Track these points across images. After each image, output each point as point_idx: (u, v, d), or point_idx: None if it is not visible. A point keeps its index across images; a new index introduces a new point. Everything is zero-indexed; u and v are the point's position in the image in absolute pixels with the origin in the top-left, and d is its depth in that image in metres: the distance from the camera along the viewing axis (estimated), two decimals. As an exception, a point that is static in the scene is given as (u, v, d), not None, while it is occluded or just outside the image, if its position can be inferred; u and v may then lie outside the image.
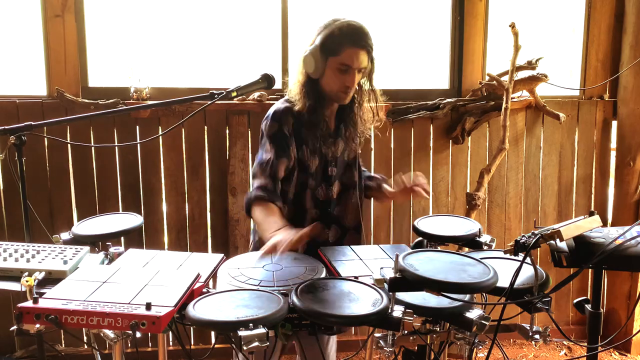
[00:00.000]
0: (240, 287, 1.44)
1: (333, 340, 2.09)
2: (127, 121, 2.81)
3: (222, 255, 1.72)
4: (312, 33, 1.85)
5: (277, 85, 1.97)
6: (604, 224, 1.68)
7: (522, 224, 3.26)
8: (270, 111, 1.89)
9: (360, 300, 1.35)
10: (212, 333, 2.96)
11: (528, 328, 1.48)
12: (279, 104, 1.90)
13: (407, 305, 1.36)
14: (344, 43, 1.76)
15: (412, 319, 1.30)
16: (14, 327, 1.25)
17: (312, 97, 1.84)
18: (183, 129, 2.87)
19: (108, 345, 1.46)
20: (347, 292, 1.40)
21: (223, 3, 2.98)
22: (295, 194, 1.90)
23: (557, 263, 1.52)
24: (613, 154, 3.28)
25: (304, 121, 1.86)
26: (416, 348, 1.56)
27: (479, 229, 1.89)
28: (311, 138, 1.88)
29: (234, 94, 1.84)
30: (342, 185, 1.99)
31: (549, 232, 1.40)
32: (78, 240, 1.83)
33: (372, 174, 2.16)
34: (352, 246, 1.87)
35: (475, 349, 1.47)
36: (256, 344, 1.17)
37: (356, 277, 1.50)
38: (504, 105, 2.94)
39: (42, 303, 1.24)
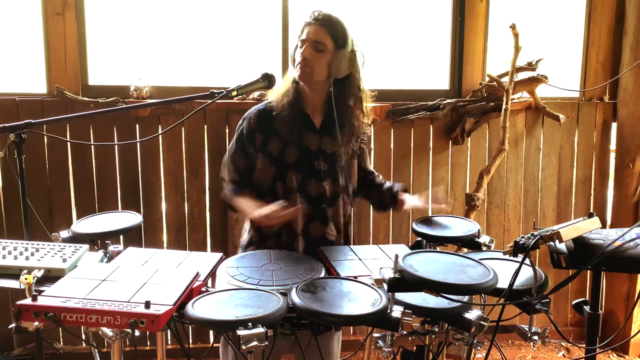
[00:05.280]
0: (239, 286, 1.44)
1: (338, 341, 2.06)
2: (127, 120, 2.81)
3: (221, 254, 1.72)
4: None
5: (277, 84, 1.97)
6: (603, 226, 1.69)
7: (521, 225, 3.26)
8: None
9: (359, 300, 1.35)
10: (211, 332, 2.97)
11: (527, 329, 1.48)
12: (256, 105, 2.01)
13: (406, 305, 1.36)
14: (305, 23, 1.89)
15: (411, 319, 1.31)
16: (13, 325, 1.25)
17: (291, 94, 1.90)
18: (183, 128, 2.87)
19: (106, 344, 1.45)
20: (346, 292, 1.40)
21: (224, 2, 2.98)
22: (283, 192, 1.91)
23: (556, 264, 1.53)
24: (612, 156, 3.28)
25: (280, 116, 1.90)
26: (415, 348, 1.56)
27: (478, 230, 1.89)
28: (287, 131, 1.90)
29: (234, 93, 1.85)
30: (336, 186, 1.97)
31: (548, 233, 1.40)
32: (77, 238, 1.83)
33: (388, 184, 2.10)
34: (351, 246, 1.88)
35: (473, 349, 1.47)
36: (255, 343, 1.17)
37: (355, 277, 1.51)
38: (503, 106, 2.95)
39: (41, 301, 1.25)
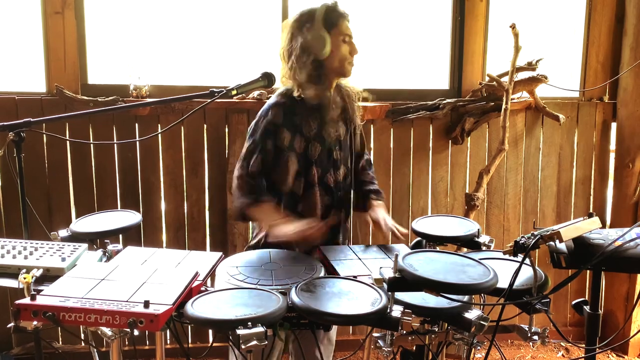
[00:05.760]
0: (239, 285, 1.44)
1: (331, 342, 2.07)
2: (127, 119, 2.81)
3: (220, 253, 1.72)
4: (291, 27, 1.90)
5: (277, 84, 1.97)
6: (603, 226, 1.69)
7: (520, 225, 3.26)
8: (263, 107, 1.94)
9: (359, 299, 1.35)
10: (210, 331, 2.97)
11: (526, 329, 1.48)
12: (270, 99, 1.95)
13: (406, 305, 1.36)
14: (337, 16, 1.87)
15: (410, 319, 1.30)
16: (11, 324, 1.24)
17: (319, 84, 1.88)
18: (182, 127, 2.87)
19: (105, 343, 1.45)
20: (346, 292, 1.39)
21: (224, 1, 2.97)
22: (303, 187, 1.92)
23: (556, 264, 1.52)
24: (612, 156, 3.28)
25: (306, 110, 1.89)
26: (414, 348, 1.56)
27: (478, 230, 1.89)
28: (309, 125, 1.90)
29: (234, 92, 1.85)
30: (347, 169, 2.03)
31: (548, 233, 1.40)
32: (76, 237, 1.83)
33: (372, 183, 2.15)
34: (351, 245, 1.88)
35: (473, 349, 1.47)
36: (254, 342, 1.17)
37: (355, 277, 1.50)
38: (503, 106, 2.94)
39: (40, 300, 1.24)
